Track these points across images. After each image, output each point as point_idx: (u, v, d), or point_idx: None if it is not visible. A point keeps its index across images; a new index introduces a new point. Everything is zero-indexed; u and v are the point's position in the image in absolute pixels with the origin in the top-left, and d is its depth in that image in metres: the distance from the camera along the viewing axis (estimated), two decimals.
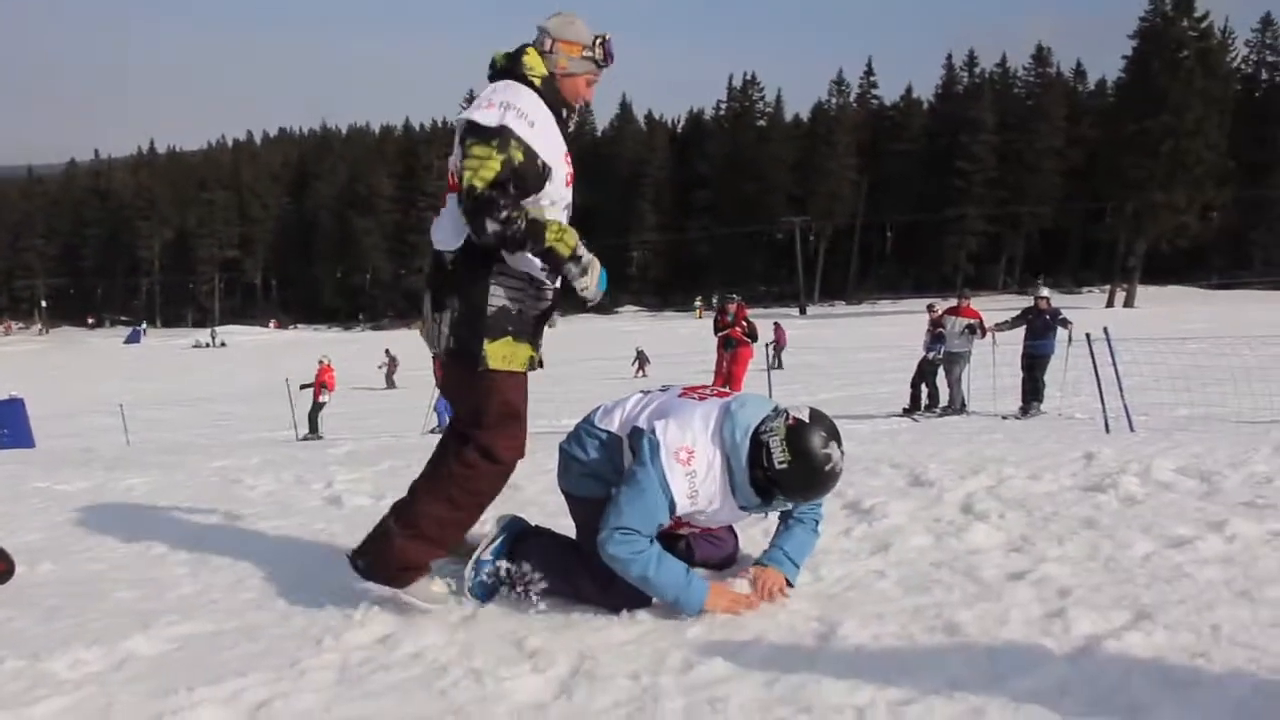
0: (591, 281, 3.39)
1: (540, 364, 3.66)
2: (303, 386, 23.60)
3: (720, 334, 15.78)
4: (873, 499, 4.71)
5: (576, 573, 3.59)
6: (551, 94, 3.49)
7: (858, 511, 4.56)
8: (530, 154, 3.34)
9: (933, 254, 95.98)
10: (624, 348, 39.76)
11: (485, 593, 3.71)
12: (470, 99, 3.67)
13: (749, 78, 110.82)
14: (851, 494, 4.85)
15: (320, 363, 23.75)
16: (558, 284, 3.55)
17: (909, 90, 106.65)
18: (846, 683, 2.76)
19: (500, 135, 3.28)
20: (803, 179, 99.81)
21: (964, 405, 16.27)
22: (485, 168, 3.24)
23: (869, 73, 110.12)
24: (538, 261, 3.40)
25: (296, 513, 5.85)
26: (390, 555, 3.56)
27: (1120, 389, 11.35)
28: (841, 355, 23.40)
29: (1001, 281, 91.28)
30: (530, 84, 3.45)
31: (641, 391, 3.82)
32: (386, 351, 40.49)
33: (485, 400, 3.50)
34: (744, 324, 15.63)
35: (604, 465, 3.60)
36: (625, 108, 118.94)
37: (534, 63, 3.48)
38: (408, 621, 3.55)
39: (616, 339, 51.07)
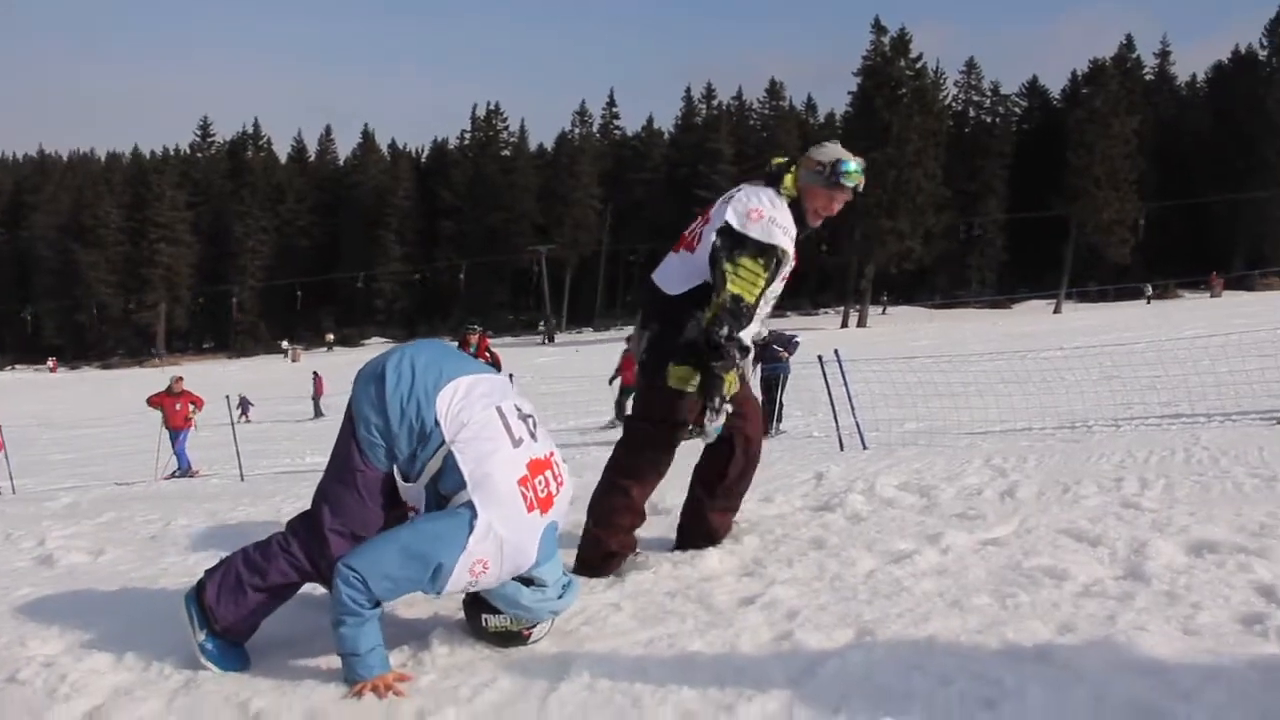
0: (715, 424, 4.03)
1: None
2: None
3: None
4: None
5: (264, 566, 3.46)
6: (798, 209, 4.13)
7: None
8: (780, 265, 4.04)
9: None
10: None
11: (239, 661, 3.48)
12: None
13: (493, 107, 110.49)
14: None
15: None
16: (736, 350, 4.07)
17: (650, 121, 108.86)
18: None
19: (769, 254, 3.96)
20: (548, 208, 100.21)
21: None
22: (755, 284, 3.95)
23: (611, 104, 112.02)
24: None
25: (1, 575, 5.38)
26: (592, 550, 4.20)
27: (852, 407, 11.84)
28: (594, 382, 23.50)
29: None
30: (784, 198, 4.10)
31: (479, 376, 3.46)
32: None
33: (657, 401, 4.18)
34: (487, 355, 15.23)
35: (392, 429, 3.31)
36: (368, 136, 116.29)
37: (790, 182, 4.12)
38: (121, 692, 3.30)
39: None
